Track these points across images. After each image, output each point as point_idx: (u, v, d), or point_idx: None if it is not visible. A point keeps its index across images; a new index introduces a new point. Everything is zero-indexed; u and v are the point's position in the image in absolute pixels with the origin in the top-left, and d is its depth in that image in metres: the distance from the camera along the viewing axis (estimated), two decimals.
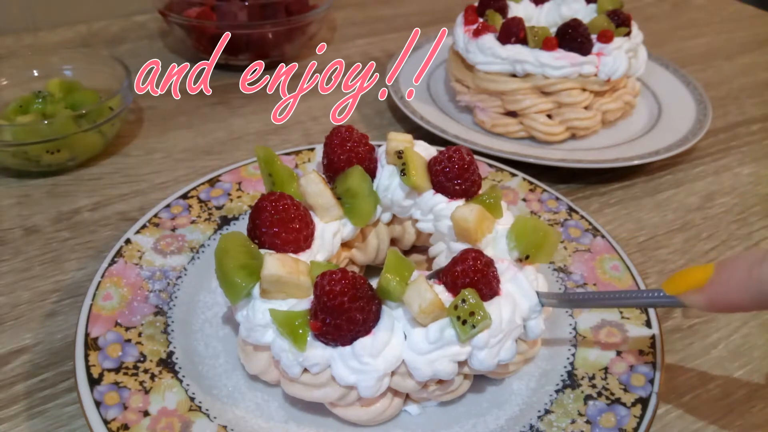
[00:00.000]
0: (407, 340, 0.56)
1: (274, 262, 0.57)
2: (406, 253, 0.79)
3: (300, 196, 0.67)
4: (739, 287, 0.47)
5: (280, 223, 0.62)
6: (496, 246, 0.64)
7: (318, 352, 0.56)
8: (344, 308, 0.53)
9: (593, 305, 0.66)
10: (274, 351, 0.58)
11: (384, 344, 0.55)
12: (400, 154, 0.69)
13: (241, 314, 0.60)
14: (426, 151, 0.73)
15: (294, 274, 0.58)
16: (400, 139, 0.71)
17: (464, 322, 0.54)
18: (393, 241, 0.76)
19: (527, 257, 0.63)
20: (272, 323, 0.57)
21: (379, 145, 0.75)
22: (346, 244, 0.72)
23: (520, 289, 0.60)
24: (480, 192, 0.70)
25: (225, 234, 0.62)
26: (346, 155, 0.70)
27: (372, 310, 0.55)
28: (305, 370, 0.57)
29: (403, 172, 0.68)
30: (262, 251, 0.61)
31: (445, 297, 0.57)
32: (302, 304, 0.58)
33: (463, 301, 0.55)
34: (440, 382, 0.59)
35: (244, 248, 0.61)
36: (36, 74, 1.06)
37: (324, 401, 0.59)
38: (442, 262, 0.69)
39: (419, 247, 0.78)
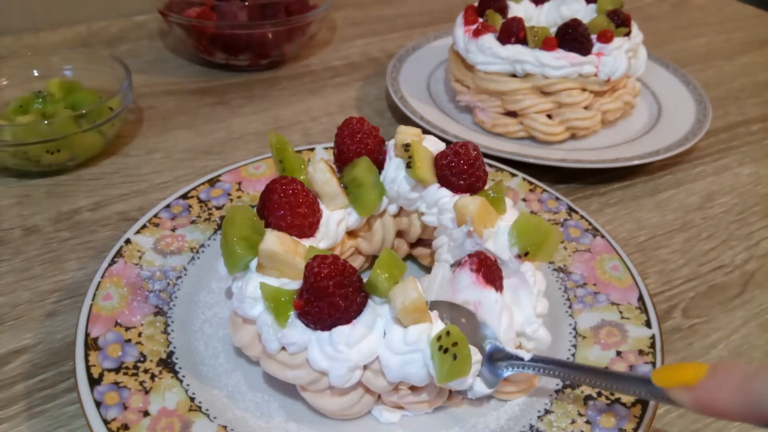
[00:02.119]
0: (386, 337, 0.57)
1: (273, 238, 0.59)
2: (413, 245, 0.79)
3: (308, 183, 0.69)
4: (729, 396, 0.46)
5: (287, 206, 0.63)
6: (497, 241, 0.64)
7: (297, 331, 0.57)
8: (328, 292, 0.54)
9: (568, 378, 0.59)
10: (258, 324, 0.59)
11: (362, 336, 0.56)
12: (406, 147, 0.70)
13: (236, 285, 0.62)
14: (435, 145, 0.74)
15: (290, 254, 0.59)
16: (408, 133, 0.72)
17: (446, 351, 0.54)
18: (399, 233, 0.77)
19: (526, 254, 0.63)
20: (261, 297, 0.58)
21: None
22: (352, 234, 0.73)
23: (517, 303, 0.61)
24: (485, 188, 0.71)
25: (235, 205, 0.63)
26: (356, 146, 0.71)
27: (356, 300, 0.56)
28: (283, 348, 0.58)
29: (409, 165, 0.69)
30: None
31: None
32: (293, 284, 0.59)
33: (448, 333, 0.55)
34: (413, 388, 0.58)
35: (249, 221, 0.62)
36: (36, 74, 1.06)
37: (296, 383, 0.60)
38: (443, 254, 0.70)
39: (425, 240, 0.78)
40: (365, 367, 0.58)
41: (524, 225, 0.64)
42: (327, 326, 0.56)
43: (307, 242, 0.64)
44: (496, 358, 0.60)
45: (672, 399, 0.50)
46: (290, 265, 0.59)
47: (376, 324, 0.57)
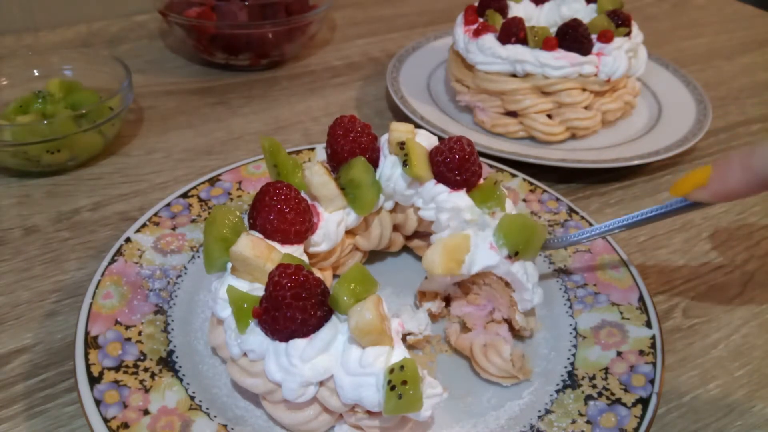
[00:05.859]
0: (342, 356, 0.55)
1: (246, 242, 0.59)
2: (409, 238, 0.80)
3: (304, 186, 0.68)
4: (736, 179, 0.56)
5: (275, 210, 0.63)
6: (477, 258, 0.65)
7: (257, 338, 0.56)
8: (285, 302, 0.53)
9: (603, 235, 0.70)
10: (224, 326, 0.60)
11: (317, 352, 0.54)
12: (402, 145, 0.70)
13: (214, 285, 0.62)
14: (428, 140, 0.74)
15: (261, 259, 0.59)
16: (402, 130, 0.72)
17: (393, 388, 0.52)
18: (396, 228, 0.77)
19: (516, 254, 0.64)
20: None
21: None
22: (350, 232, 0.73)
23: None
24: (480, 182, 0.71)
25: (219, 205, 0.64)
26: (350, 146, 0.71)
27: (315, 314, 0.55)
28: (245, 354, 0.58)
29: (405, 163, 0.69)
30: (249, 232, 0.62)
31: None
32: (262, 291, 0.58)
33: (402, 367, 0.52)
34: (370, 412, 0.56)
35: (230, 222, 0.62)
36: (36, 74, 1.06)
37: (254, 391, 0.59)
38: None
39: (421, 233, 0.78)
40: (322, 384, 0.56)
41: (509, 225, 0.64)
42: (284, 337, 0.55)
43: (290, 249, 0.63)
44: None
45: (695, 202, 0.61)
46: (261, 270, 0.59)
47: (335, 341, 0.55)
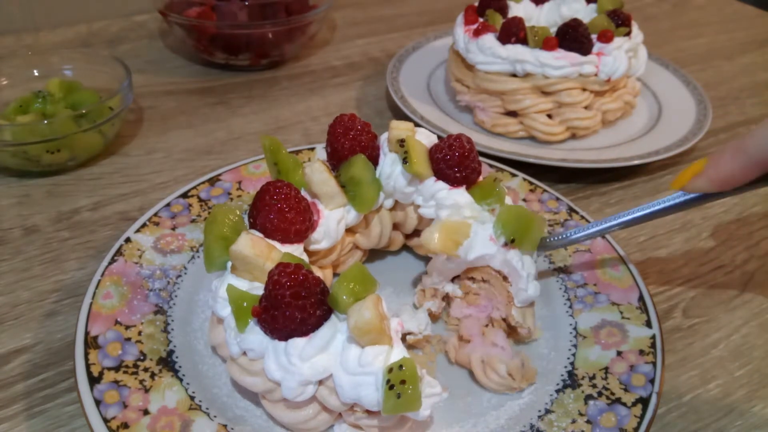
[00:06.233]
0: (342, 355, 0.55)
1: (246, 241, 0.59)
2: (409, 236, 0.80)
3: (305, 184, 0.69)
4: (731, 162, 0.57)
5: (275, 209, 0.63)
6: (475, 245, 0.65)
7: (257, 337, 0.56)
8: (284, 302, 0.53)
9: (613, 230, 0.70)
10: (224, 325, 0.60)
11: (317, 351, 0.54)
12: (401, 143, 0.70)
13: (214, 284, 0.62)
14: (427, 138, 0.74)
15: (261, 258, 0.59)
16: (402, 128, 0.72)
17: (391, 387, 0.52)
18: (396, 226, 0.77)
19: (513, 241, 0.65)
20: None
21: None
22: (350, 230, 0.73)
23: None
24: (480, 179, 0.71)
25: (219, 204, 0.64)
26: (350, 144, 0.71)
27: (315, 314, 0.55)
28: (245, 353, 0.58)
29: (405, 161, 0.69)
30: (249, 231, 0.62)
31: None
32: (261, 290, 0.58)
33: (401, 367, 0.52)
34: (369, 411, 0.56)
35: (231, 222, 0.63)
36: (36, 74, 1.06)
37: (253, 389, 0.59)
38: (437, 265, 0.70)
39: (421, 232, 0.78)
40: (321, 383, 0.56)
41: (508, 215, 0.66)
42: (283, 336, 0.55)
43: (290, 248, 0.63)
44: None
45: (694, 192, 0.61)
46: (260, 269, 0.59)
47: (334, 340, 0.55)
